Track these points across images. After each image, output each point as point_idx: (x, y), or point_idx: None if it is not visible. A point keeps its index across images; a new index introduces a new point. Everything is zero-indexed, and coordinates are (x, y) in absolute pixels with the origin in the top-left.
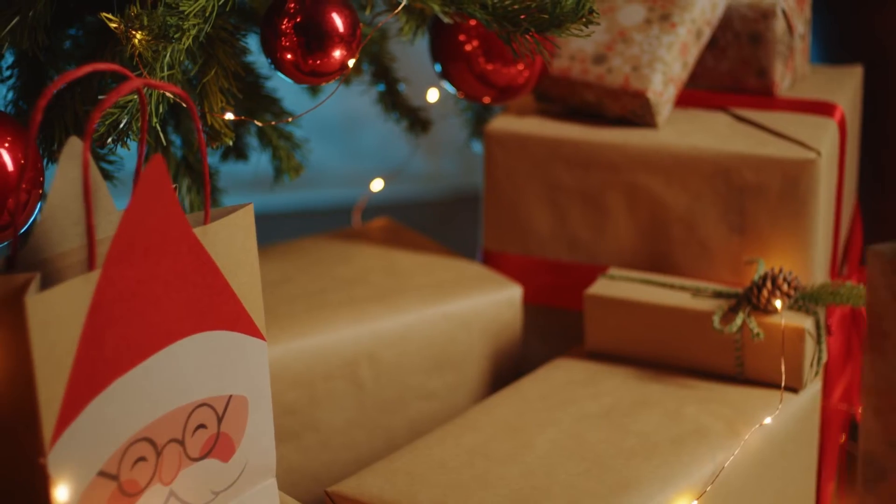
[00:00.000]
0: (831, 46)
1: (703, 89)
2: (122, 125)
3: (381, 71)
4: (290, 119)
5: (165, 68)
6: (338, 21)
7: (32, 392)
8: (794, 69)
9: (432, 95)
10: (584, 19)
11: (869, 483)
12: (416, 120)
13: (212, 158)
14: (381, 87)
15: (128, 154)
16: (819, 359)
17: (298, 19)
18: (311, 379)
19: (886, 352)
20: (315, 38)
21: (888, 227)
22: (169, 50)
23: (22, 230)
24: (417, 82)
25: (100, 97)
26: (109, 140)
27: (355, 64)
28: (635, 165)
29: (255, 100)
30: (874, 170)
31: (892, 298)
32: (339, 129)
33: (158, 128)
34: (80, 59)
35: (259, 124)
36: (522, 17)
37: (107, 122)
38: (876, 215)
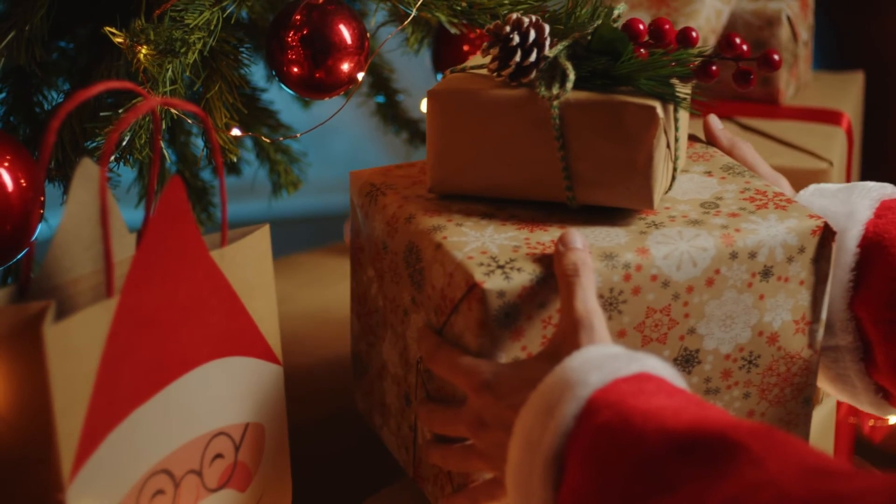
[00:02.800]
0: (828, 52)
1: (705, 98)
2: (124, 142)
3: (380, 82)
4: (298, 135)
5: (168, 83)
6: (346, 33)
7: (50, 425)
8: (798, 76)
9: (426, 106)
10: None
11: (356, 376)
12: (416, 132)
13: (205, 173)
14: (381, 99)
15: (124, 170)
16: None
17: (305, 31)
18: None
19: (362, 263)
20: (322, 50)
21: None
22: (172, 64)
23: (20, 255)
24: (409, 92)
25: (102, 114)
26: (112, 157)
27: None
28: None
29: (251, 112)
30: (874, 176)
31: (364, 217)
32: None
33: (162, 144)
34: (74, 74)
35: (267, 140)
36: None
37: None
38: None
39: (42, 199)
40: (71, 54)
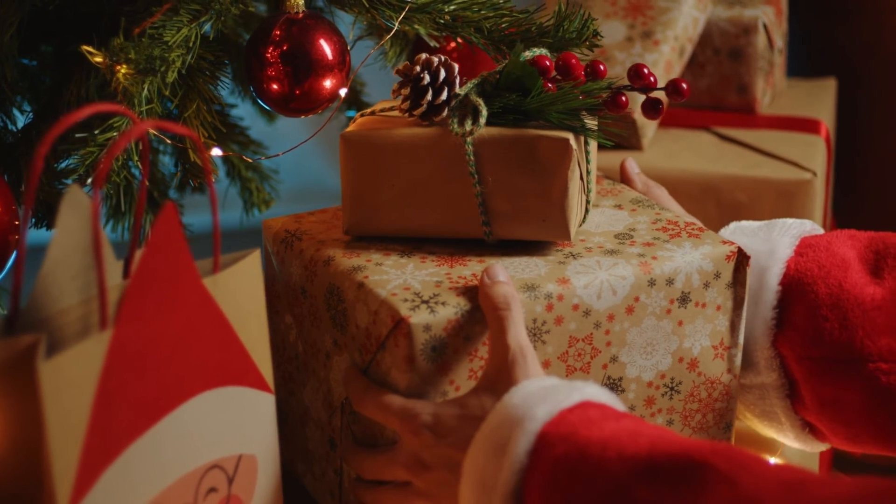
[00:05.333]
0: (797, 58)
1: (681, 107)
2: (101, 164)
3: (351, 96)
4: (280, 153)
5: (144, 102)
6: (327, 48)
7: (45, 464)
8: (773, 84)
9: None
10: (587, 42)
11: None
12: None
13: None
14: (352, 114)
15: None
16: None
17: (285, 47)
18: None
19: (279, 310)
20: (303, 67)
21: None
22: (148, 83)
23: None
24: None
25: (77, 135)
26: (89, 181)
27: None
28: None
29: (222, 129)
30: (845, 183)
31: (280, 263)
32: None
33: (132, 164)
34: (40, 93)
35: (249, 160)
36: (517, 39)
37: (86, 163)
38: (848, 226)
39: (18, 223)
40: (33, 72)
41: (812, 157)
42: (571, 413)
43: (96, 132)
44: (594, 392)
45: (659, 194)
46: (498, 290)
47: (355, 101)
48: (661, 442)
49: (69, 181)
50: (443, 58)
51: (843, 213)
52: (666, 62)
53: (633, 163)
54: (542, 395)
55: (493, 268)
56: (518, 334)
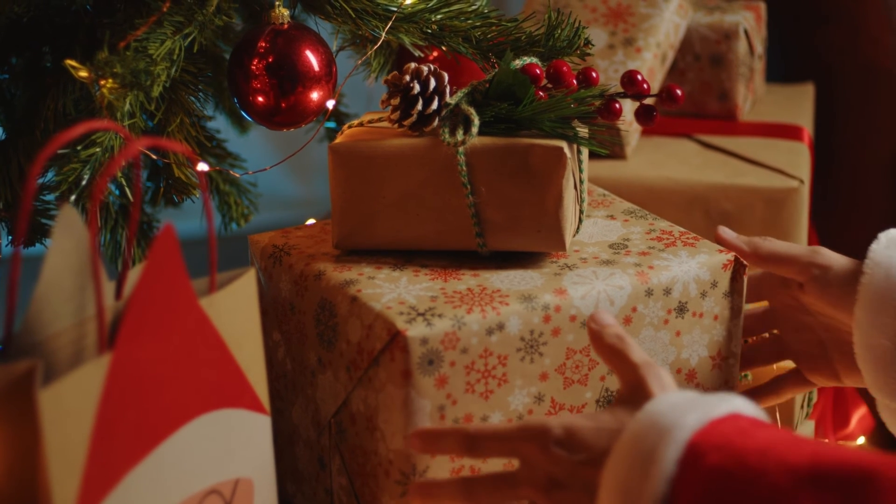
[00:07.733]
0: (774, 63)
1: (661, 114)
2: (84, 181)
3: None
4: (266, 168)
5: (127, 117)
6: (313, 60)
7: (44, 494)
8: (754, 90)
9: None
10: (578, 51)
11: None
12: None
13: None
14: (332, 125)
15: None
16: (810, 399)
17: (270, 59)
18: None
19: (266, 328)
20: (289, 79)
21: (839, 244)
22: (130, 97)
23: None
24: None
25: (60, 151)
26: (72, 197)
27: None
28: None
29: (206, 143)
30: (821, 187)
31: (268, 279)
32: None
33: (124, 182)
34: (12, 107)
35: (236, 175)
36: (507, 48)
37: (69, 179)
38: (824, 232)
39: None
40: (3, 85)
41: (797, 164)
42: (722, 423)
43: (79, 148)
44: (742, 405)
45: (769, 243)
46: (609, 331)
47: (334, 112)
48: (824, 450)
49: (50, 197)
50: (433, 67)
51: (817, 219)
52: (648, 69)
53: (726, 230)
54: (690, 405)
55: (599, 314)
56: (640, 352)
